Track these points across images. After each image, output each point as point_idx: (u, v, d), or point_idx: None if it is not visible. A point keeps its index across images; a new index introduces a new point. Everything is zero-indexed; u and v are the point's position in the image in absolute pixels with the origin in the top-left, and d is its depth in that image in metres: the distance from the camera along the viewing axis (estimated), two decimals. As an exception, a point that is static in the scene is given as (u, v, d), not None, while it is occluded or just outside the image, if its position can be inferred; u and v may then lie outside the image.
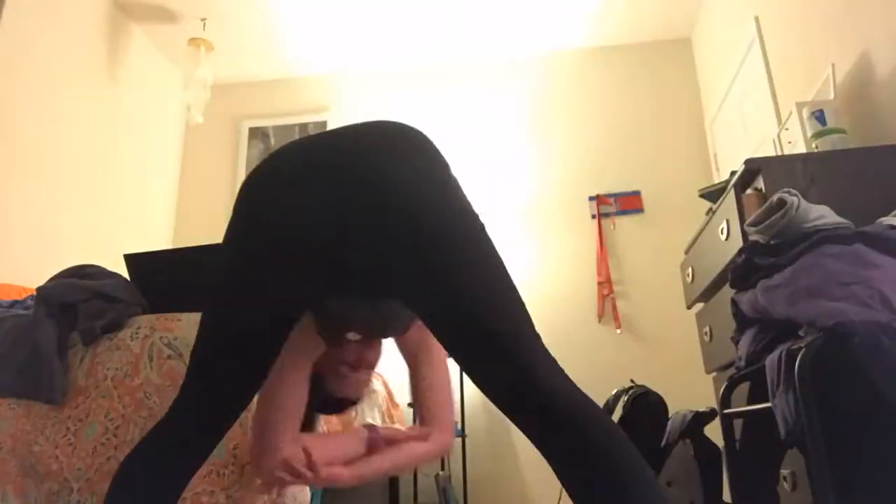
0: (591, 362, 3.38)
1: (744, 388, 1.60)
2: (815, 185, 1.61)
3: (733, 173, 1.83)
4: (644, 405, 2.18)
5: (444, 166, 1.09)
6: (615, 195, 3.69)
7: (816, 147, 1.85)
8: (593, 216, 3.66)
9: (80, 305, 1.61)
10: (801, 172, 1.64)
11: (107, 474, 1.44)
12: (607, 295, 3.49)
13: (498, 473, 3.26)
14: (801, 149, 2.01)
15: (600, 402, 2.29)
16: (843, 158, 1.69)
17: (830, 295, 1.17)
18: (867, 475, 1.12)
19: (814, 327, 1.17)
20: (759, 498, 1.51)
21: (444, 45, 3.95)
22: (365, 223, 1.00)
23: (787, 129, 2.28)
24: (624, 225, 3.64)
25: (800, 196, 1.36)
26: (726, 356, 1.89)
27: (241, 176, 4.07)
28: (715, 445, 1.87)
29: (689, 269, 2.21)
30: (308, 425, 1.44)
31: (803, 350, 1.13)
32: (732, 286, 1.52)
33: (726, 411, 1.59)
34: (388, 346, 1.49)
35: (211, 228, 3.98)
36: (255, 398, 1.27)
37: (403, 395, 3.28)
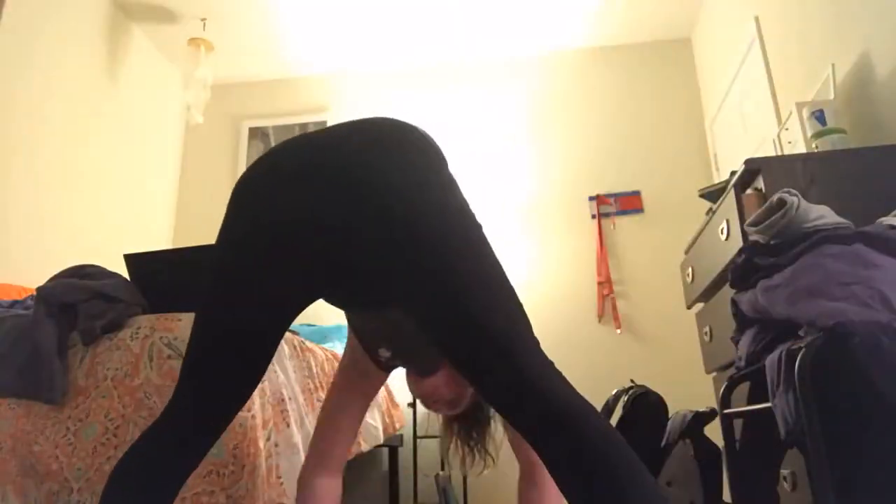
0: (591, 362, 3.38)
1: (744, 388, 1.60)
2: (815, 185, 1.61)
3: (733, 173, 1.83)
4: (644, 405, 2.18)
5: (441, 164, 1.09)
6: (615, 195, 3.69)
7: (816, 147, 1.85)
8: (593, 216, 3.66)
9: (80, 305, 1.61)
10: (801, 172, 1.64)
11: (107, 474, 1.44)
12: (607, 295, 3.49)
13: (498, 473, 3.25)
14: (801, 149, 2.01)
15: (600, 402, 2.30)
16: (843, 158, 1.69)
17: (830, 295, 1.17)
18: (867, 475, 1.12)
19: (814, 327, 1.17)
20: (759, 498, 1.51)
21: (444, 45, 3.95)
22: (360, 224, 1.00)
23: (787, 129, 2.28)
24: (624, 225, 3.64)
25: (800, 196, 1.36)
26: (726, 356, 1.89)
27: (241, 176, 4.06)
28: (715, 445, 1.87)
29: (689, 269, 2.21)
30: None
31: (803, 350, 1.13)
32: (732, 286, 1.52)
33: (726, 411, 1.59)
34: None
35: (211, 228, 3.96)
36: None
37: (404, 395, 3.28)
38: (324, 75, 4.20)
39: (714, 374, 2.14)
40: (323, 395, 1.98)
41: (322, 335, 3.09)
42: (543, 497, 1.45)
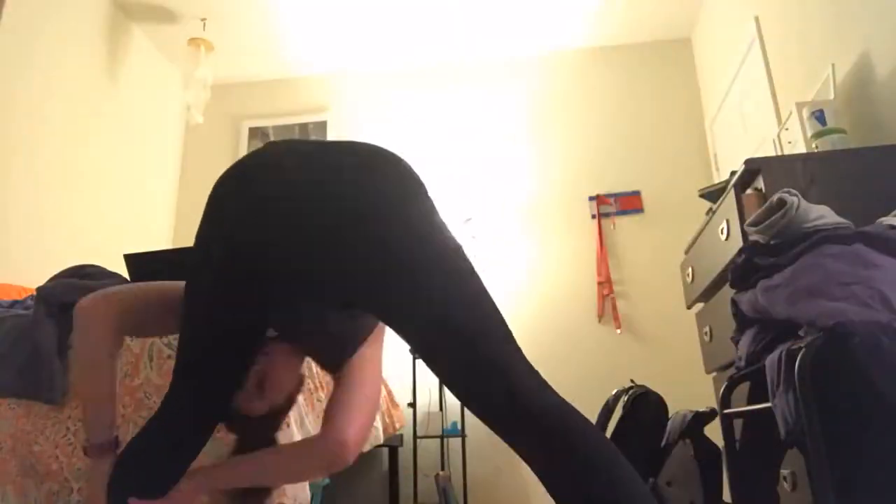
0: (591, 362, 3.37)
1: (744, 388, 1.60)
2: (815, 185, 1.61)
3: (733, 173, 1.83)
4: (644, 405, 2.18)
5: (418, 186, 1.07)
6: (615, 195, 3.69)
7: (816, 147, 1.85)
8: (593, 216, 3.66)
9: (80, 305, 1.61)
10: (801, 172, 1.64)
11: (107, 474, 1.44)
12: (607, 295, 3.49)
13: (498, 473, 3.26)
14: (801, 149, 2.01)
15: (600, 402, 2.30)
16: (843, 158, 1.69)
17: (830, 295, 1.17)
18: (867, 475, 1.12)
19: (814, 327, 1.17)
20: (759, 498, 1.51)
21: (444, 45, 3.95)
22: (335, 245, 1.00)
23: (787, 129, 2.28)
24: (624, 225, 3.64)
25: (800, 196, 1.36)
26: (726, 356, 1.89)
27: (241, 176, 4.06)
28: (715, 445, 1.87)
29: (689, 269, 2.21)
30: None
31: (803, 350, 1.13)
32: (732, 286, 1.52)
33: (726, 411, 1.59)
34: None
35: (211, 228, 3.98)
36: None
37: (404, 395, 3.28)
38: (324, 75, 4.20)
39: (714, 374, 2.13)
40: (323, 395, 1.98)
41: (322, 335, 3.09)
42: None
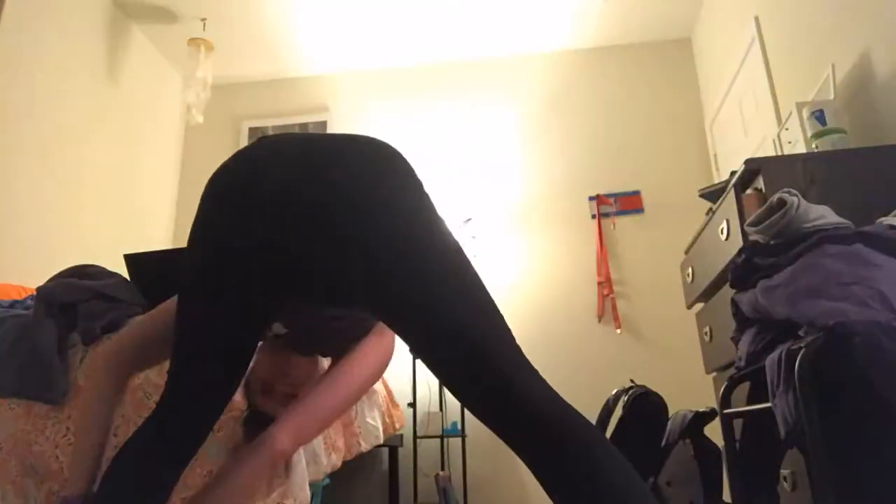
0: (591, 362, 3.37)
1: (744, 388, 1.60)
2: (815, 185, 1.61)
3: (733, 173, 1.83)
4: (644, 405, 2.18)
5: (414, 181, 1.05)
6: (615, 195, 3.69)
7: (816, 147, 1.85)
8: (593, 216, 3.66)
9: (80, 305, 1.61)
10: (801, 172, 1.64)
11: (107, 474, 1.44)
12: (607, 295, 3.49)
13: (498, 473, 3.26)
14: (801, 149, 2.01)
15: (600, 402, 2.30)
16: (843, 158, 1.69)
17: (830, 295, 1.17)
18: (867, 475, 1.12)
19: (814, 327, 1.17)
20: (759, 498, 1.51)
21: (444, 45, 3.95)
22: (331, 243, 0.98)
23: (787, 129, 2.28)
24: (624, 225, 3.64)
25: (800, 196, 1.36)
26: (726, 356, 1.89)
27: (241, 176, 4.06)
28: (715, 445, 1.87)
29: (689, 269, 2.21)
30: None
31: (803, 350, 1.13)
32: (732, 286, 1.52)
33: (726, 411, 1.59)
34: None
35: (211, 228, 3.98)
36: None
37: (404, 395, 3.28)
38: (324, 75, 4.20)
39: (714, 374, 2.13)
40: (323, 395, 1.98)
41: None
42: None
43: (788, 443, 1.21)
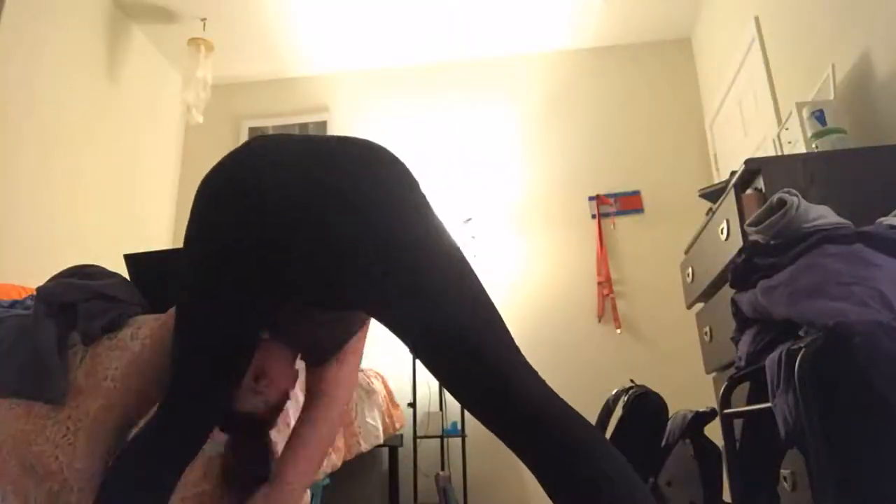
0: (591, 362, 3.37)
1: (744, 388, 1.60)
2: (815, 185, 1.61)
3: (733, 173, 1.83)
4: (644, 405, 2.18)
5: (410, 183, 1.05)
6: (615, 195, 3.69)
7: (816, 147, 1.85)
8: (593, 216, 3.66)
9: (80, 305, 1.61)
10: (801, 172, 1.64)
11: (107, 474, 1.44)
12: (607, 295, 3.49)
13: (498, 473, 3.26)
14: (801, 149, 2.01)
15: (600, 402, 2.30)
16: (843, 158, 1.69)
17: (830, 295, 1.17)
18: (867, 475, 1.12)
19: (814, 327, 1.17)
20: (759, 498, 1.51)
21: (443, 45, 3.95)
22: (328, 245, 0.98)
23: (787, 129, 2.28)
24: (624, 225, 3.64)
25: (800, 196, 1.36)
26: (726, 356, 1.89)
27: (241, 176, 4.06)
28: (715, 445, 1.87)
29: (689, 269, 2.21)
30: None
31: (803, 350, 1.13)
32: (732, 286, 1.52)
33: (726, 411, 1.59)
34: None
35: (211, 228, 3.97)
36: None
37: (404, 395, 3.28)
38: (324, 75, 4.20)
39: (714, 374, 2.14)
40: (323, 395, 1.98)
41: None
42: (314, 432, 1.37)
43: (788, 443, 1.20)
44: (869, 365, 1.05)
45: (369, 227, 0.97)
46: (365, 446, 2.34)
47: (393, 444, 3.08)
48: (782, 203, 1.36)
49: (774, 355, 1.25)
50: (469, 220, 3.46)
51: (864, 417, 1.12)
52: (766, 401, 1.28)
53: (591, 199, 3.70)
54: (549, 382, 0.98)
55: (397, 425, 2.98)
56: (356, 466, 2.99)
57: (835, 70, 2.13)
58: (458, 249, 1.03)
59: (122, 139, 3.58)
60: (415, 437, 3.09)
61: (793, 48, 2.48)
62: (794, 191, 1.37)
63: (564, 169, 3.79)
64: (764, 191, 1.66)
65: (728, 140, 3.31)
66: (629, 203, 3.67)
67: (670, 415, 2.13)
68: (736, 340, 1.53)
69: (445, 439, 3.19)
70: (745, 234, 1.65)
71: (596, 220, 3.64)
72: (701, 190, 2.18)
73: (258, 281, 1.04)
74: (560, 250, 3.65)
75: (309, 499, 1.61)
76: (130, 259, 1.78)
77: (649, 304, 3.48)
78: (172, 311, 1.27)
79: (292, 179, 1.00)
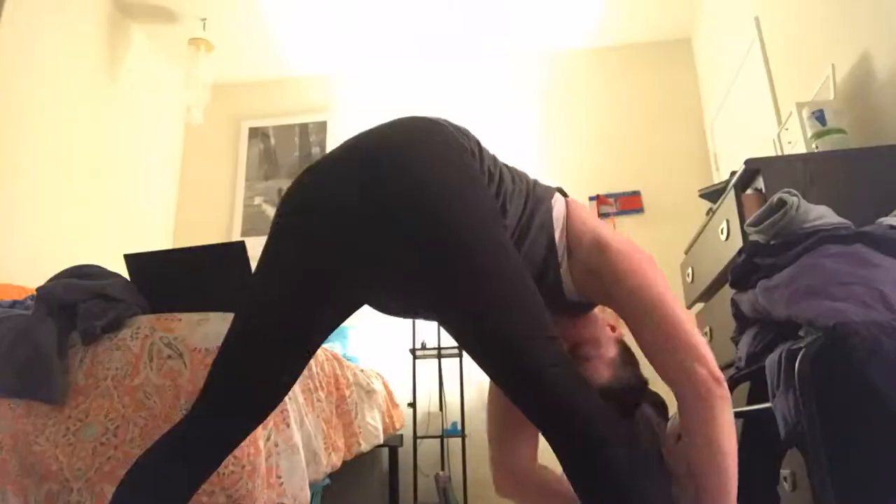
0: (591, 362, 3.37)
1: (744, 388, 1.60)
2: (815, 185, 1.61)
3: (733, 173, 1.84)
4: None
5: (456, 161, 1.07)
6: (615, 195, 3.69)
7: (816, 147, 1.85)
8: (593, 216, 3.66)
9: (80, 305, 1.61)
10: (801, 172, 1.64)
11: (107, 474, 1.44)
12: (607, 295, 3.49)
13: (498, 473, 3.25)
14: (801, 149, 2.01)
15: (600, 402, 2.29)
16: (843, 158, 1.69)
17: (830, 295, 1.17)
18: (867, 475, 1.12)
19: (814, 327, 1.17)
20: (759, 498, 1.51)
21: (444, 46, 3.95)
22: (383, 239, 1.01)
23: (787, 129, 2.28)
24: (624, 225, 3.64)
25: (800, 196, 1.36)
26: (726, 356, 1.89)
27: (241, 176, 4.07)
28: (715, 445, 1.86)
29: (689, 269, 2.21)
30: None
31: (803, 350, 1.13)
32: (732, 286, 1.52)
33: (726, 411, 1.58)
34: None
35: (211, 228, 3.98)
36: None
37: (404, 395, 3.28)
38: (324, 75, 4.20)
39: (714, 374, 2.13)
40: (323, 394, 1.98)
41: (322, 335, 3.09)
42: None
43: (788, 443, 1.21)
44: (869, 365, 1.05)
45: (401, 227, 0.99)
46: (365, 446, 2.34)
47: (393, 444, 3.08)
48: (782, 203, 1.36)
49: (774, 355, 1.25)
50: (469, 220, 3.46)
51: (864, 417, 1.13)
52: (766, 401, 1.28)
53: (591, 199, 3.70)
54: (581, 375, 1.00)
55: (397, 425, 2.98)
56: (356, 466, 2.99)
57: (835, 70, 2.13)
58: (492, 225, 1.03)
59: (121, 139, 3.58)
60: (415, 437, 3.09)
61: (793, 48, 2.48)
62: (794, 191, 1.37)
63: (564, 169, 3.79)
64: (764, 191, 1.66)
65: (728, 140, 3.31)
66: (629, 203, 3.67)
67: (670, 415, 2.12)
68: (736, 340, 1.53)
69: (445, 439, 3.19)
70: (745, 234, 1.65)
71: (596, 220, 3.64)
72: (701, 190, 2.18)
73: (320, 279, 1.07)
74: (560, 250, 3.64)
75: (308, 498, 1.61)
76: (130, 259, 1.77)
77: (649, 304, 3.47)
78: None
79: (348, 194, 1.03)
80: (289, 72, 4.18)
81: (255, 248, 1.32)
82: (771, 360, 1.26)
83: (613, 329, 1.28)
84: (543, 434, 0.96)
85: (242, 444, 1.42)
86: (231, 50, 3.89)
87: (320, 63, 4.10)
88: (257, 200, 4.00)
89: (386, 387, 2.96)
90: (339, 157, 1.07)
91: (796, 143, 2.10)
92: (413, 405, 3.16)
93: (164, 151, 4.03)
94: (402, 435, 3.24)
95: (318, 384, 1.96)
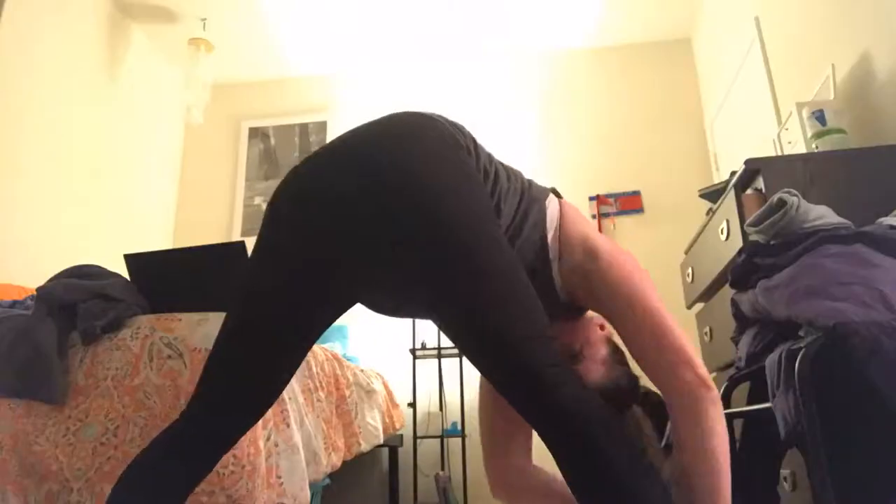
0: (591, 362, 3.37)
1: (744, 388, 1.60)
2: (815, 185, 1.61)
3: (733, 173, 1.84)
4: (644, 405, 2.18)
5: (450, 156, 1.06)
6: (615, 195, 3.69)
7: (816, 147, 1.85)
8: (593, 216, 3.66)
9: (80, 305, 1.61)
10: (801, 172, 1.64)
11: (107, 474, 1.44)
12: (607, 295, 3.49)
13: (498, 473, 3.25)
14: (801, 149, 2.01)
15: (600, 402, 2.29)
16: (843, 158, 1.69)
17: (830, 295, 1.17)
18: (867, 475, 1.12)
19: (814, 327, 1.17)
20: (759, 498, 1.51)
21: (444, 46, 3.95)
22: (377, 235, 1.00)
23: (787, 129, 2.28)
24: (624, 225, 3.64)
25: (800, 196, 1.36)
26: (726, 356, 1.89)
27: (242, 176, 4.07)
28: (715, 445, 1.86)
29: (689, 269, 2.21)
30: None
31: (803, 350, 1.13)
32: (732, 286, 1.52)
33: (726, 411, 1.59)
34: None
35: (211, 228, 3.98)
36: None
37: (404, 395, 3.28)
38: (324, 75, 4.20)
39: (714, 374, 2.13)
40: (323, 394, 1.98)
41: (322, 335, 3.10)
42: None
43: (788, 443, 1.21)
44: (869, 365, 1.05)
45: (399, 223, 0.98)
46: (365, 446, 2.34)
47: (393, 444, 3.08)
48: (782, 203, 1.36)
49: (774, 355, 1.25)
50: (469, 220, 3.46)
51: (864, 417, 1.13)
52: (766, 401, 1.28)
53: (591, 199, 3.70)
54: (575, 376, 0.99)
55: (397, 425, 2.98)
56: (356, 466, 2.99)
57: (835, 70, 2.13)
58: (487, 223, 1.02)
59: (121, 139, 3.58)
60: (415, 437, 3.09)
61: (793, 48, 2.48)
62: (794, 191, 1.37)
63: (564, 169, 3.79)
64: (764, 191, 1.66)
65: (728, 140, 3.31)
66: (629, 203, 3.67)
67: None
68: (736, 340, 1.53)
69: (445, 439, 3.20)
70: (745, 234, 1.65)
71: (596, 221, 3.64)
72: (701, 190, 2.18)
73: (313, 277, 1.06)
74: (560, 250, 3.64)
75: (308, 498, 1.61)
76: (130, 259, 1.77)
77: (649, 304, 3.47)
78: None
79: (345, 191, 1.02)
80: (289, 72, 4.18)
81: (255, 248, 1.32)
82: (771, 360, 1.26)
83: (602, 328, 1.28)
84: (541, 434, 0.96)
85: (242, 444, 1.42)
86: (231, 50, 3.89)
87: (320, 63, 4.10)
88: (257, 200, 4.00)
89: (386, 387, 2.96)
90: (338, 149, 1.07)
91: (796, 143, 2.11)
92: (413, 405, 3.16)
93: (164, 151, 4.03)
94: (402, 435, 3.24)
95: (318, 384, 1.96)
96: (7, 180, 2.77)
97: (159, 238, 3.88)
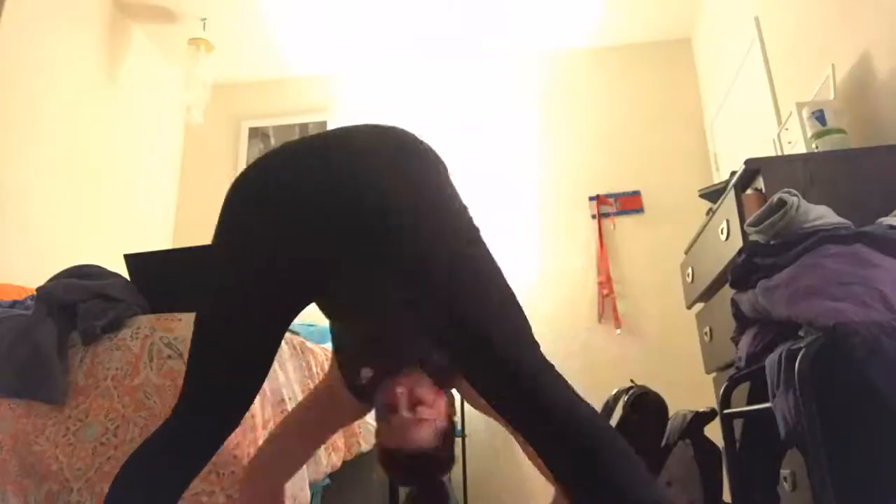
0: (591, 362, 3.37)
1: (744, 388, 1.60)
2: (815, 185, 1.61)
3: (733, 173, 1.84)
4: (644, 405, 2.18)
5: (438, 171, 1.08)
6: (615, 195, 3.69)
7: (816, 147, 1.85)
8: (593, 216, 3.66)
9: (80, 305, 1.61)
10: (801, 172, 1.64)
11: (107, 474, 1.44)
12: (607, 295, 3.49)
13: (498, 473, 3.26)
14: (801, 149, 2.01)
15: (600, 402, 2.30)
16: (843, 158, 1.69)
17: (830, 295, 1.17)
18: (867, 475, 1.12)
19: (814, 327, 1.17)
20: (759, 498, 1.51)
21: (444, 46, 3.95)
22: (356, 238, 1.00)
23: (787, 129, 2.28)
24: (624, 225, 3.64)
25: (800, 196, 1.36)
26: (726, 356, 1.89)
27: (241, 176, 4.06)
28: (715, 445, 1.87)
29: (689, 269, 2.21)
30: None
31: (803, 350, 1.13)
32: (732, 286, 1.52)
33: (726, 411, 1.59)
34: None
35: (211, 228, 3.97)
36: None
37: (403, 395, 3.27)
38: (324, 75, 4.20)
39: (714, 374, 2.14)
40: (323, 395, 1.98)
41: (322, 335, 3.09)
42: None
43: (788, 443, 1.21)
44: (869, 365, 1.05)
45: (392, 225, 1.00)
46: (365, 446, 2.34)
47: (393, 444, 3.07)
48: (782, 203, 1.36)
49: (774, 355, 1.25)
50: (469, 220, 3.46)
51: (864, 417, 1.13)
52: (766, 401, 1.28)
53: (591, 199, 3.70)
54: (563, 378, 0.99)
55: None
56: (356, 466, 2.99)
57: (835, 70, 2.13)
58: (475, 237, 1.08)
59: (121, 139, 3.58)
60: (415, 437, 3.08)
61: (793, 48, 2.48)
62: (794, 191, 1.37)
63: (564, 169, 3.79)
64: (764, 191, 1.66)
65: (728, 140, 3.31)
66: (629, 203, 3.67)
67: (670, 415, 2.13)
68: (736, 340, 1.53)
69: (445, 439, 3.19)
70: (745, 234, 1.65)
71: (596, 220, 3.64)
72: (701, 190, 2.18)
73: (278, 280, 1.05)
74: (560, 250, 3.65)
75: (308, 498, 1.61)
76: (130, 259, 1.78)
77: (649, 304, 3.48)
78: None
79: (316, 188, 1.03)
80: (289, 72, 4.18)
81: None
82: (771, 360, 1.26)
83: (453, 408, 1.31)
84: (535, 437, 0.96)
85: (242, 444, 1.42)
86: (231, 50, 3.89)
87: (320, 63, 4.10)
88: (257, 200, 4.00)
89: (386, 387, 2.95)
90: (322, 167, 1.06)
91: (796, 143, 2.10)
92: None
93: (164, 151, 4.03)
94: (402, 435, 3.23)
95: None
96: (7, 180, 2.77)
97: (159, 238, 3.88)
